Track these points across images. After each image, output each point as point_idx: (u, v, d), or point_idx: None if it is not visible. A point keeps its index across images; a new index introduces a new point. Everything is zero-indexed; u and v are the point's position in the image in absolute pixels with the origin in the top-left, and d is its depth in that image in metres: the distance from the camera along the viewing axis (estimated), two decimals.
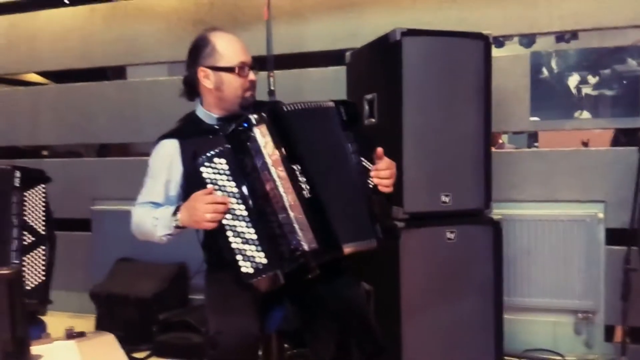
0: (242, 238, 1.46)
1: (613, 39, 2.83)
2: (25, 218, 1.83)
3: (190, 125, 1.77)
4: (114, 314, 2.92)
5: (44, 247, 1.85)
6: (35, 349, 1.33)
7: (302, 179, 1.48)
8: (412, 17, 2.77)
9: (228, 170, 1.50)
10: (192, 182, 1.58)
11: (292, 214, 1.46)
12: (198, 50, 1.73)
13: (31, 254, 1.81)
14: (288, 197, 1.47)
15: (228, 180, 1.49)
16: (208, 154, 1.49)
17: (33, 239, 1.83)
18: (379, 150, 1.58)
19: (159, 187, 1.70)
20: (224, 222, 1.46)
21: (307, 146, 1.52)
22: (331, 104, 1.59)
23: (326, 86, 2.88)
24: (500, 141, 4.85)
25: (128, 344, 2.60)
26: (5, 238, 1.78)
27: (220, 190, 1.48)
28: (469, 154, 2.23)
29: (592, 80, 2.64)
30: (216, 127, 1.71)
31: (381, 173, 1.56)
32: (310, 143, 1.53)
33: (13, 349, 1.24)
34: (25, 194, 1.86)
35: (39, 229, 1.85)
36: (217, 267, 1.69)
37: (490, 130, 2.26)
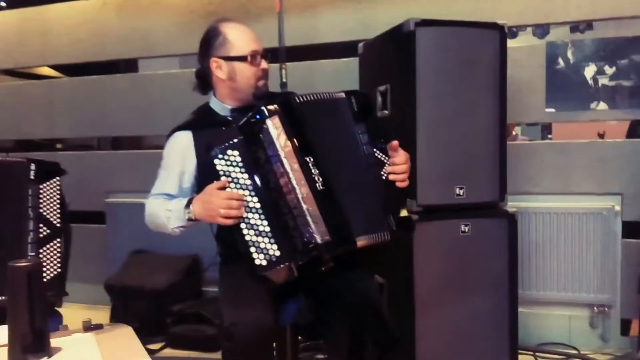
0: (255, 230, 1.46)
1: (630, 29, 2.78)
2: (41, 210, 1.84)
3: (204, 117, 1.77)
4: (128, 306, 2.95)
5: (59, 240, 1.85)
6: (54, 342, 1.34)
7: (314, 171, 1.47)
8: (425, 8, 2.74)
9: (241, 162, 1.49)
10: (205, 174, 1.58)
11: (305, 206, 1.45)
12: (209, 41, 1.73)
13: (47, 246, 1.82)
14: (301, 189, 1.46)
15: (241, 172, 1.49)
16: (221, 146, 1.49)
17: (49, 231, 1.84)
18: (394, 142, 1.57)
19: (172, 178, 1.71)
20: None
21: (319, 138, 1.51)
22: (342, 95, 1.58)
23: (339, 78, 2.87)
24: (514, 133, 4.80)
25: (142, 335, 2.61)
26: (21, 230, 1.79)
27: (233, 182, 1.48)
28: (484, 146, 2.21)
29: (609, 70, 2.59)
30: (229, 118, 1.70)
31: (396, 168, 1.55)
32: (323, 135, 1.52)
33: (32, 341, 1.25)
34: (40, 186, 1.87)
35: (54, 222, 1.86)
36: (231, 259, 1.69)
37: (505, 122, 2.23)
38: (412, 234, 2.06)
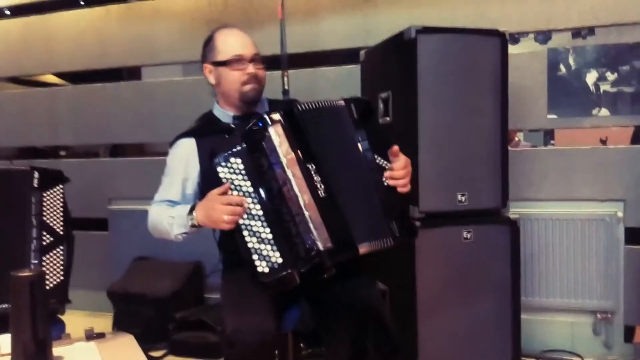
0: (257, 237, 1.46)
1: (632, 35, 2.78)
2: (44, 218, 1.85)
3: (207, 124, 1.78)
4: (131, 313, 2.95)
5: (62, 247, 1.86)
6: (56, 350, 1.34)
7: (316, 178, 1.48)
8: (427, 15, 2.75)
9: (244, 169, 1.50)
10: (208, 181, 1.59)
11: (307, 213, 1.45)
12: (204, 48, 1.79)
13: (50, 254, 1.83)
14: (303, 196, 1.46)
15: (244, 179, 1.50)
16: (224, 154, 1.50)
17: (52, 239, 1.85)
18: (395, 148, 1.57)
19: (176, 185, 1.72)
20: (240, 221, 1.47)
21: (321, 145, 1.52)
22: (342, 102, 1.58)
23: (341, 85, 2.88)
24: (517, 139, 4.80)
25: (145, 342, 2.61)
26: (24, 238, 1.80)
27: (236, 189, 1.49)
28: (486, 153, 2.21)
29: (611, 77, 2.60)
30: (232, 126, 1.72)
31: (395, 174, 1.55)
32: (324, 142, 1.53)
33: (35, 350, 1.25)
34: (43, 194, 1.89)
35: (57, 229, 1.87)
36: (233, 266, 1.70)
37: (507, 128, 2.24)
38: (415, 239, 2.06)
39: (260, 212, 1.48)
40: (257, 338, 1.43)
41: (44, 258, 1.81)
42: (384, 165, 1.57)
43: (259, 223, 1.47)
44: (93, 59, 3.45)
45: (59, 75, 4.25)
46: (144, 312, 2.90)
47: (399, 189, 1.56)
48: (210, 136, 1.69)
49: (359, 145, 1.56)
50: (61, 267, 1.84)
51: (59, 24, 3.51)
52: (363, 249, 1.49)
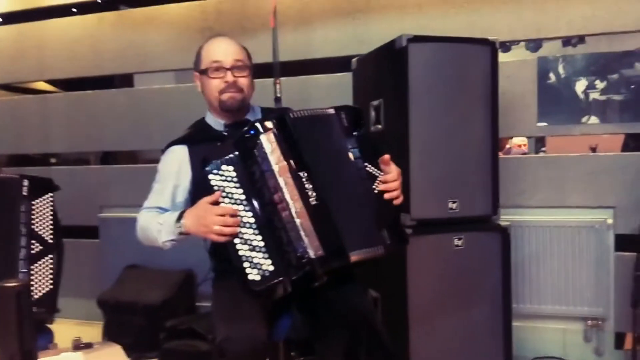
0: (249, 245, 1.46)
1: (621, 44, 2.82)
2: (34, 227, 1.84)
3: (199, 131, 1.78)
4: (121, 322, 2.92)
5: (52, 256, 1.85)
6: None
7: (308, 186, 1.48)
8: (418, 24, 2.77)
9: (236, 177, 1.50)
10: (200, 189, 1.59)
11: (298, 221, 1.45)
12: (195, 56, 1.80)
13: (39, 262, 1.82)
14: (295, 204, 1.46)
15: (235, 187, 1.50)
16: (216, 161, 1.50)
17: (41, 247, 1.84)
18: (386, 156, 1.57)
19: (166, 192, 1.71)
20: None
21: (312, 153, 1.52)
22: (332, 110, 1.59)
23: (333, 93, 2.89)
24: (508, 146, 4.84)
25: (136, 351, 2.60)
26: (13, 247, 1.79)
27: (227, 197, 1.49)
28: (476, 160, 2.22)
29: (600, 85, 2.62)
30: (224, 133, 1.72)
31: (389, 186, 1.55)
32: (316, 150, 1.53)
33: None
34: (33, 203, 1.88)
35: (47, 238, 1.86)
36: (224, 274, 1.69)
37: (497, 136, 2.25)
38: (405, 247, 2.07)
39: (252, 220, 1.48)
40: (248, 346, 1.43)
41: (32, 267, 1.79)
42: (374, 173, 1.58)
43: (250, 231, 1.47)
44: (85, 67, 3.44)
45: (51, 82, 4.24)
46: (135, 321, 2.88)
47: (396, 202, 1.56)
48: (203, 143, 1.69)
49: (350, 153, 1.57)
50: (50, 276, 1.82)
51: (51, 31, 3.51)
52: (354, 257, 1.48)
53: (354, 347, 1.50)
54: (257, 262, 1.44)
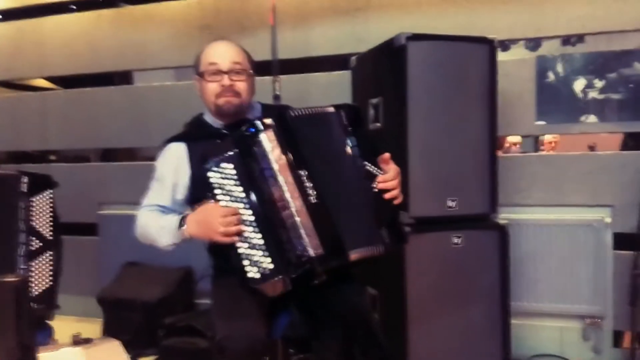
0: (248, 243, 1.46)
1: (620, 43, 2.82)
2: (33, 223, 1.84)
3: (198, 128, 1.78)
4: (120, 318, 2.92)
5: (51, 253, 1.85)
6: (42, 356, 1.33)
7: (308, 184, 1.48)
8: (417, 22, 2.77)
9: (235, 175, 1.50)
10: (199, 186, 1.59)
11: (298, 219, 1.46)
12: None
13: (38, 259, 1.82)
14: (295, 202, 1.47)
15: (235, 185, 1.50)
16: (215, 159, 1.50)
17: (40, 244, 1.84)
18: (386, 155, 1.58)
19: (166, 190, 1.71)
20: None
21: (312, 151, 1.52)
22: (331, 109, 1.58)
23: (332, 91, 2.89)
24: (507, 145, 4.84)
25: (134, 348, 2.60)
26: (12, 243, 1.79)
27: (227, 195, 1.49)
28: (475, 159, 2.23)
29: (599, 84, 2.63)
30: (223, 130, 1.71)
31: (388, 185, 1.55)
32: (316, 148, 1.53)
33: (19, 357, 1.24)
34: (32, 199, 1.88)
35: (46, 234, 1.86)
36: (223, 271, 1.69)
37: (496, 135, 2.26)
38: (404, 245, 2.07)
39: (252, 218, 1.48)
40: (247, 344, 1.43)
41: (32, 263, 1.79)
42: (374, 172, 1.58)
43: (250, 229, 1.47)
44: (84, 64, 3.43)
45: (50, 79, 4.24)
46: (134, 318, 2.88)
47: (396, 202, 1.56)
48: (201, 141, 1.67)
49: (349, 151, 1.57)
50: (49, 272, 1.83)
51: (50, 29, 3.50)
52: (354, 255, 1.49)
53: (350, 348, 1.50)
54: (257, 260, 1.45)
